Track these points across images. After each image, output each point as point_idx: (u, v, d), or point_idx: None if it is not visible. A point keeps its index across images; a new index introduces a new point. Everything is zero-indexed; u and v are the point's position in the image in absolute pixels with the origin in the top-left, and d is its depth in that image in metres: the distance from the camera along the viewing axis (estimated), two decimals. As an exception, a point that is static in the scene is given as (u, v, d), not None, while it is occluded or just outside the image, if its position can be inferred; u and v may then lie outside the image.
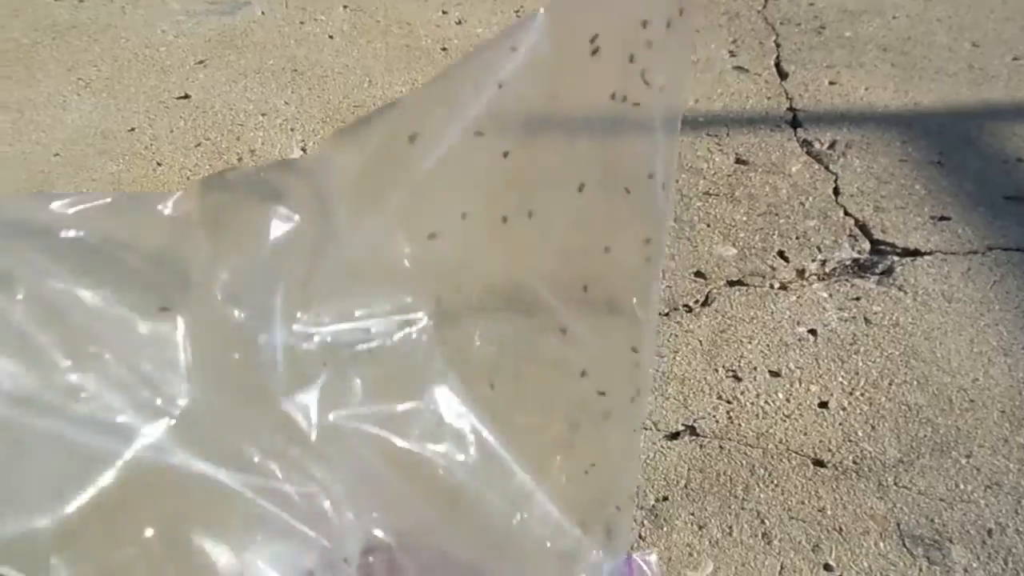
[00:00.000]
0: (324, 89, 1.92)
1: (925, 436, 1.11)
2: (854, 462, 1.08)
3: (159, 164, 1.68)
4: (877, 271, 1.39)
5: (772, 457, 1.09)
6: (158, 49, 2.09)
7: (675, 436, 1.12)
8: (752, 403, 1.17)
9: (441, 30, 2.18)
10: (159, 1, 2.34)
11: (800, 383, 1.20)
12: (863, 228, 1.49)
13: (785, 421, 1.14)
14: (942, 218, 1.50)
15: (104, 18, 2.24)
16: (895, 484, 1.05)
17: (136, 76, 1.98)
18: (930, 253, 1.43)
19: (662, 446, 1.11)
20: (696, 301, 1.34)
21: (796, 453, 1.09)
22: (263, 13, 2.27)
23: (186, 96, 1.90)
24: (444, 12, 2.27)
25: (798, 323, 1.30)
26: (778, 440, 1.11)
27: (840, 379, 1.20)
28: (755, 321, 1.30)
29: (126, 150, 1.71)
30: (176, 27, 2.20)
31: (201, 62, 2.03)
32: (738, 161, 1.67)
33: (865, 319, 1.30)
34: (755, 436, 1.12)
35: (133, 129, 1.78)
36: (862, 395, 1.17)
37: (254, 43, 2.12)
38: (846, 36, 2.12)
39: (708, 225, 1.50)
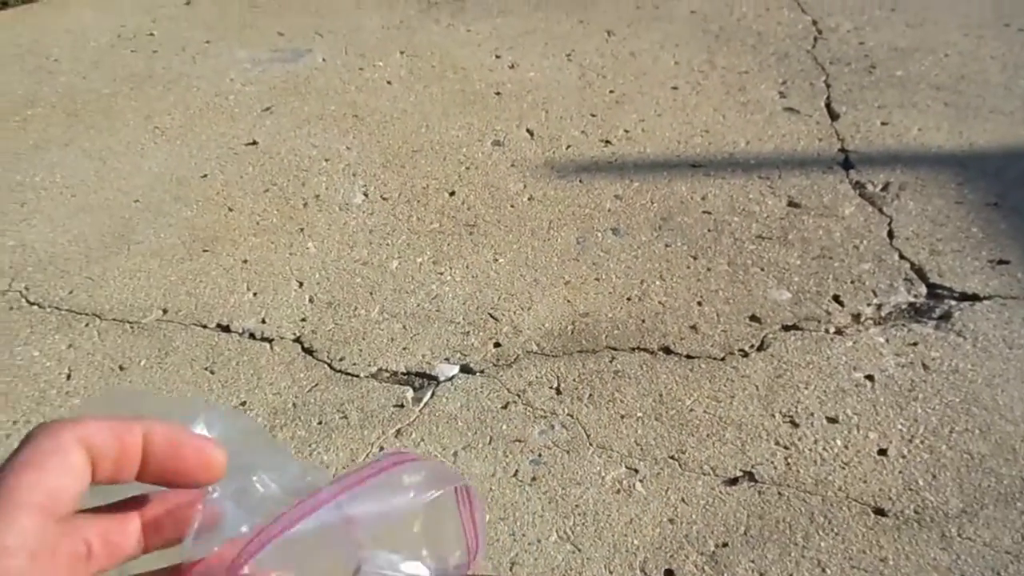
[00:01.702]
0: (384, 134, 2.00)
1: (989, 486, 1.11)
2: (915, 511, 1.08)
3: (230, 209, 1.76)
4: (934, 316, 1.39)
5: (832, 505, 1.10)
6: (227, 97, 2.21)
7: (734, 482, 1.14)
8: (810, 449, 1.18)
9: (494, 74, 2.25)
10: (227, 50, 2.47)
11: (858, 430, 1.20)
12: (919, 272, 1.49)
13: (844, 468, 1.14)
14: (1000, 262, 1.50)
15: (177, 67, 2.37)
16: (959, 535, 1.05)
17: (207, 123, 2.09)
18: (989, 298, 1.42)
19: (720, 492, 1.13)
20: (751, 346, 1.36)
21: (856, 501, 1.10)
22: (324, 60, 2.38)
23: (254, 143, 1.99)
24: (497, 57, 2.35)
25: (855, 368, 1.30)
26: (837, 487, 1.12)
27: (899, 426, 1.20)
28: (811, 366, 1.31)
29: (200, 196, 1.81)
30: (243, 75, 2.31)
31: (267, 109, 2.14)
32: (790, 204, 1.69)
33: (923, 365, 1.30)
34: (814, 483, 1.13)
35: (206, 175, 1.88)
36: (922, 443, 1.18)
37: (316, 89, 2.22)
38: (897, 75, 2.12)
39: (762, 269, 1.52)
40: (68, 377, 1.37)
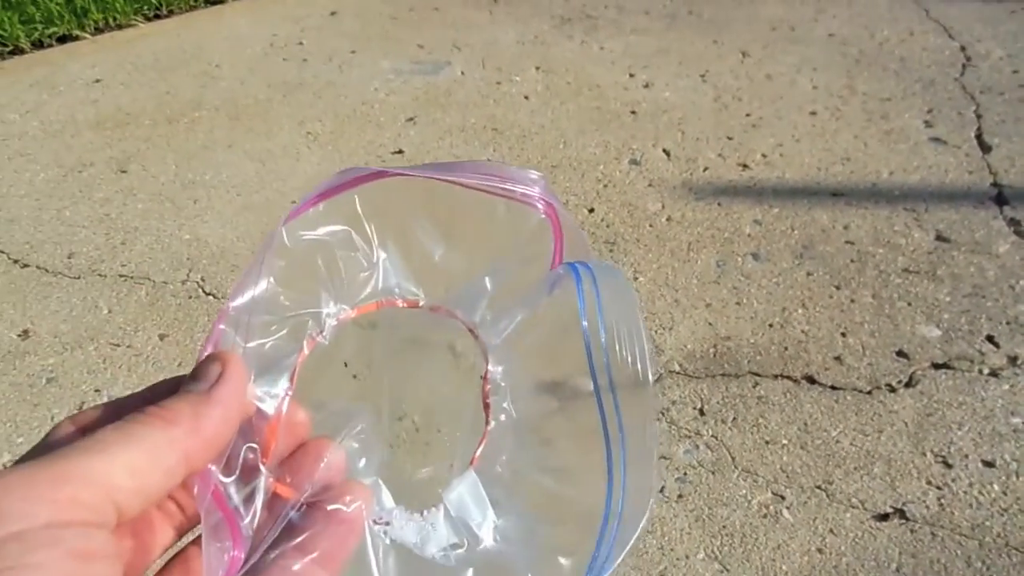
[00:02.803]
0: (523, 148, 2.07)
1: None
2: (1082, 567, 1.05)
3: (380, 214, 1.87)
4: (1100, 365, 1.34)
5: (990, 551, 1.08)
6: (373, 106, 2.33)
7: (884, 517, 1.14)
8: (965, 492, 1.16)
9: (629, 93, 2.29)
10: (371, 60, 2.61)
11: (1018, 476, 1.18)
12: (1082, 317, 1.43)
13: (1003, 515, 1.13)
14: None
15: (325, 75, 2.53)
16: None
17: (355, 131, 2.22)
18: None
19: (870, 526, 1.13)
20: (899, 381, 1.35)
21: (1017, 550, 1.08)
22: (463, 73, 2.48)
23: (400, 151, 2.10)
24: (631, 75, 2.39)
25: (1012, 413, 1.27)
26: (996, 534, 1.10)
27: (1062, 477, 1.17)
28: (964, 407, 1.29)
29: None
30: (387, 85, 2.44)
31: (411, 119, 2.25)
32: (939, 238, 1.66)
33: (1088, 415, 1.26)
34: (970, 527, 1.11)
35: (356, 180, 2.00)
36: (1088, 496, 1.14)
37: (456, 102, 2.32)
38: (1055, 108, 2.04)
39: (909, 304, 1.50)
40: (241, 363, 1.49)
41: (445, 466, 0.36)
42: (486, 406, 0.35)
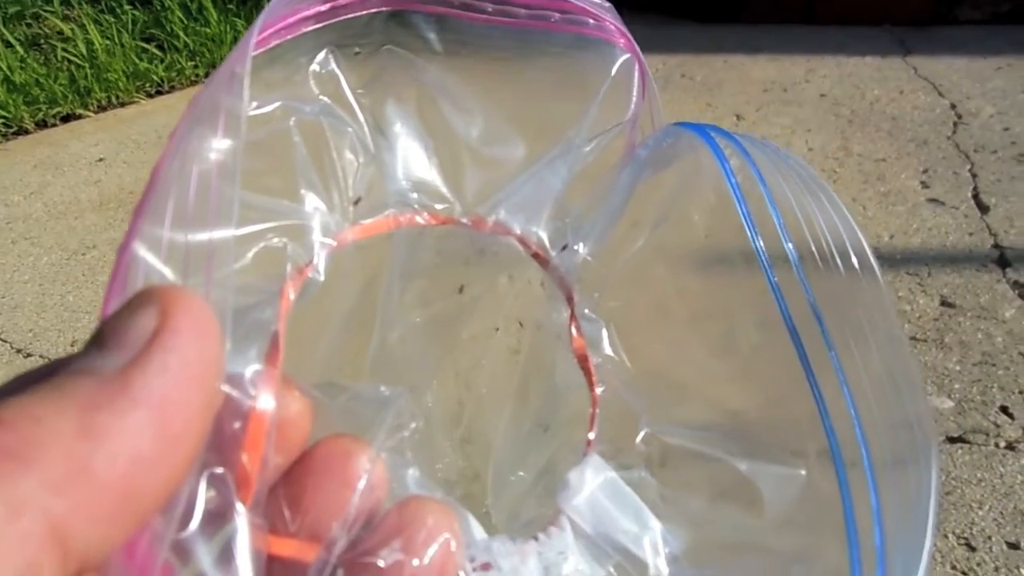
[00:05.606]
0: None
1: None
2: (1117, 657, 1.03)
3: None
4: (1117, 435, 1.33)
5: (1021, 642, 1.05)
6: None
7: (909, 607, 1.11)
8: (990, 577, 1.14)
9: (627, 159, 2.31)
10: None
11: (1043, 559, 1.15)
12: (1094, 384, 1.42)
13: (1031, 602, 1.10)
14: None
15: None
16: None
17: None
18: None
19: (896, 617, 1.10)
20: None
21: (1048, 640, 1.05)
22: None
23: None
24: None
25: (1032, 489, 1.25)
26: (1026, 623, 1.08)
27: (1088, 558, 1.15)
28: (983, 484, 1.27)
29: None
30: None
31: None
32: (943, 303, 1.66)
33: (1109, 490, 1.24)
34: (999, 616, 1.09)
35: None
36: (1116, 579, 1.12)
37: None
38: (1049, 165, 2.06)
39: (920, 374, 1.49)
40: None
41: (541, 459, 0.21)
42: (584, 363, 0.22)
